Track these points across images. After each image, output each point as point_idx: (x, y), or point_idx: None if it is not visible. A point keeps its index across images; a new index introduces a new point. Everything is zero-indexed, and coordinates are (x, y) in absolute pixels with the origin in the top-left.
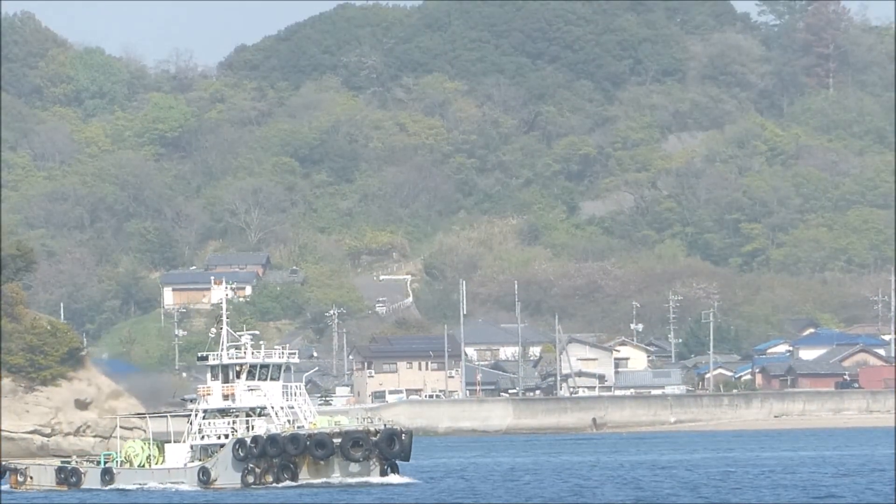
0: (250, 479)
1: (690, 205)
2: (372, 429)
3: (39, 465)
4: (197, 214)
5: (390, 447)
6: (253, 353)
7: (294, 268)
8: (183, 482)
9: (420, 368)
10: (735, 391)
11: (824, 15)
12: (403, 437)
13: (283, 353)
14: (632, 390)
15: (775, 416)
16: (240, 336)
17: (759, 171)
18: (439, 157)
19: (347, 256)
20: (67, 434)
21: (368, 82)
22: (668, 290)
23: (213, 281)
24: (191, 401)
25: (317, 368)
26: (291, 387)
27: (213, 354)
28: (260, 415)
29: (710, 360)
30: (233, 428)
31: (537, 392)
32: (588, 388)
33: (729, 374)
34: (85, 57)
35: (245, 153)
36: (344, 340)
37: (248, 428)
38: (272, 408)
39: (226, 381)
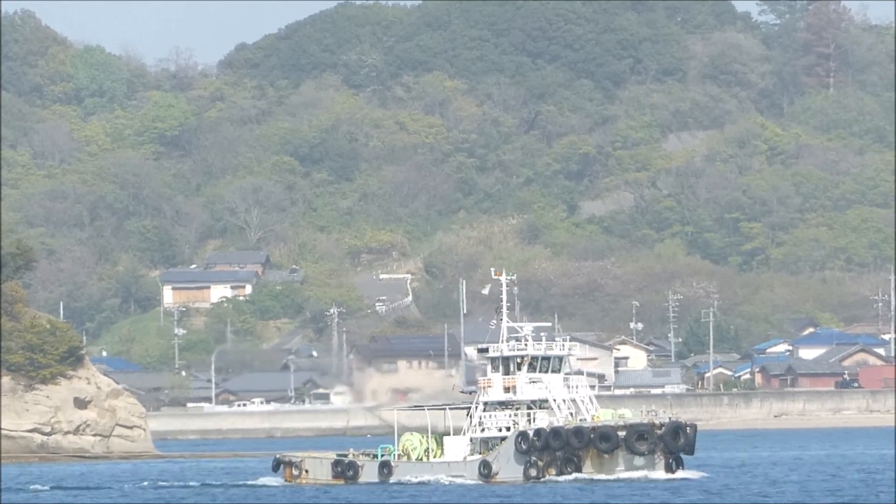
0: (533, 472)
1: (690, 204)
2: (657, 422)
3: (315, 458)
4: (197, 213)
5: (675, 441)
6: (534, 345)
7: (294, 267)
8: (463, 476)
9: (420, 367)
10: (735, 390)
11: (825, 14)
12: (688, 430)
13: (563, 345)
14: (631, 389)
15: (775, 416)
16: (521, 328)
17: (759, 170)
18: (439, 156)
19: (347, 255)
20: (67, 433)
21: (368, 81)
22: (668, 289)
23: (493, 273)
24: (469, 393)
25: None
26: (573, 379)
27: (494, 346)
28: (541, 407)
29: (709, 360)
30: (514, 420)
31: None
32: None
33: (729, 373)
34: (85, 55)
35: (245, 152)
36: (343, 339)
37: (529, 420)
38: (554, 400)
39: (507, 373)
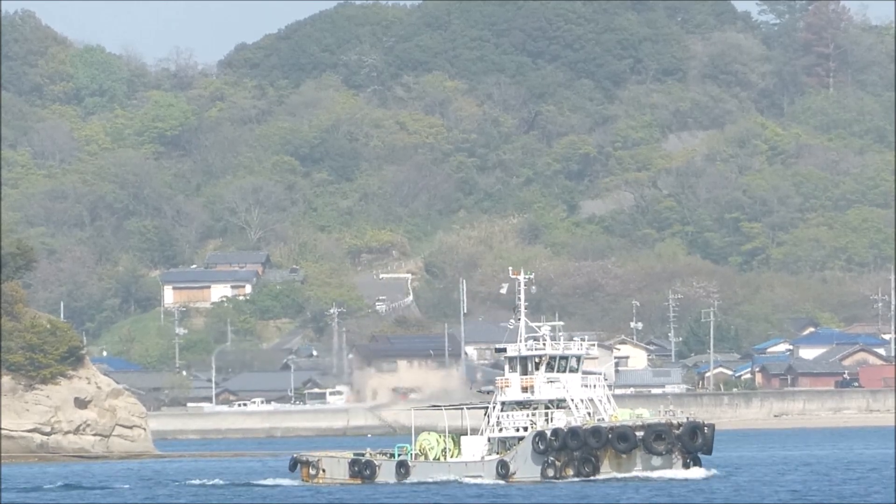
0: (550, 472)
1: (690, 204)
2: (674, 422)
3: (332, 457)
4: (197, 213)
5: (693, 440)
6: (552, 345)
7: (294, 266)
8: (480, 475)
9: (420, 367)
10: (735, 390)
11: (824, 14)
12: (706, 430)
13: (581, 344)
14: (632, 389)
15: (775, 416)
16: (539, 327)
17: (759, 170)
18: (439, 155)
19: (347, 255)
20: (67, 433)
21: (368, 81)
22: (668, 288)
23: (510, 272)
24: (487, 393)
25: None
26: (591, 378)
27: (512, 346)
28: (559, 407)
29: (710, 359)
30: (531, 420)
31: None
32: None
33: (729, 372)
34: (85, 55)
35: (245, 151)
36: (343, 339)
37: (547, 420)
38: (571, 400)
39: (524, 373)
